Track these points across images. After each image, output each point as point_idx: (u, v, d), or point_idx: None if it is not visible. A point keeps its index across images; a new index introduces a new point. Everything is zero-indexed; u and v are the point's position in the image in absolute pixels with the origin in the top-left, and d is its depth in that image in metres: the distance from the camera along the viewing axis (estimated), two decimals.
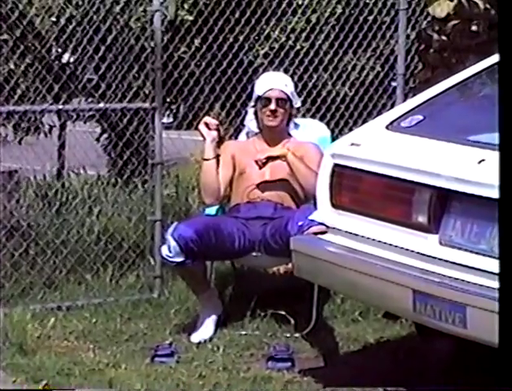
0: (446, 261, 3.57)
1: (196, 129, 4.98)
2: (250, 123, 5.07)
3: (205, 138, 4.88)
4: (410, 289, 3.59)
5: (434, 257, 3.61)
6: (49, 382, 4.16)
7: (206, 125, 4.88)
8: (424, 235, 3.68)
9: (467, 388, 3.86)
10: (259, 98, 4.92)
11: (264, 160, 4.87)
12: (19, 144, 6.26)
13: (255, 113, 4.98)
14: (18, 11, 5.52)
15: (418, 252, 3.67)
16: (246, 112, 5.29)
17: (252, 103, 5.02)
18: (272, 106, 4.88)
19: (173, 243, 4.62)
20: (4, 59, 5.55)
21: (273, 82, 4.94)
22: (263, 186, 4.88)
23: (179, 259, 4.64)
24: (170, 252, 4.64)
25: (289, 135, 5.04)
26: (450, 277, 3.52)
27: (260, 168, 4.88)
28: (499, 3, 3.41)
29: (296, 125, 5.13)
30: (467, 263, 3.49)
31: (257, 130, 5.03)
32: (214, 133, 4.86)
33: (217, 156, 4.86)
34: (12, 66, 5.62)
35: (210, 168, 4.84)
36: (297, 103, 5.06)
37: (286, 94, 4.91)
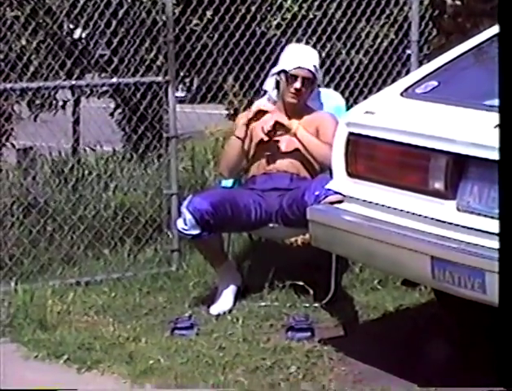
0: (464, 226, 3.55)
1: (210, 102, 4.93)
2: (272, 91, 4.99)
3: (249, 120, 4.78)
4: (428, 256, 3.58)
5: (452, 223, 3.60)
6: (70, 357, 4.19)
7: (259, 111, 4.78)
8: (441, 201, 3.66)
9: (467, 388, 3.85)
10: (285, 72, 4.86)
11: (271, 128, 4.78)
12: (34, 121, 6.26)
13: (277, 83, 4.91)
14: None
15: (436, 219, 3.65)
16: (262, 83, 5.24)
17: (275, 71, 4.94)
18: (298, 85, 4.82)
19: (188, 216, 4.62)
20: (16, 35, 5.54)
21: (302, 60, 4.84)
22: (279, 156, 4.86)
23: (195, 232, 4.64)
24: (186, 224, 4.64)
25: (308, 107, 4.98)
26: (468, 243, 3.50)
27: (270, 138, 4.83)
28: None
29: (318, 94, 5.06)
30: (485, 228, 3.47)
31: (276, 99, 4.97)
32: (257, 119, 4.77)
33: (245, 137, 4.81)
34: (24, 42, 5.61)
35: (238, 146, 4.81)
36: (320, 77, 4.99)
37: (313, 73, 4.85)
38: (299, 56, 4.89)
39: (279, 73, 4.88)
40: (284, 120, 4.84)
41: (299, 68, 4.81)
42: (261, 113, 4.80)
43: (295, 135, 4.79)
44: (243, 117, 4.99)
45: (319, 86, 5.04)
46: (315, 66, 4.87)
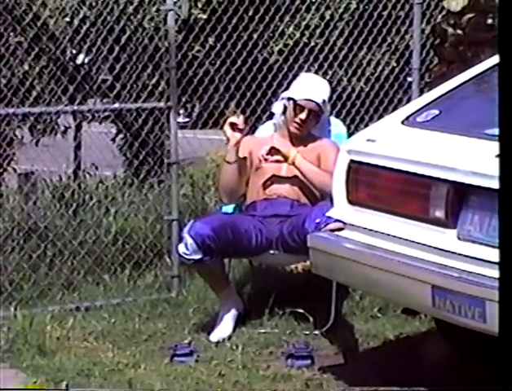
0: (464, 255, 3.55)
1: (221, 128, 4.91)
2: (279, 114, 4.97)
3: (228, 140, 4.81)
4: (429, 284, 3.58)
5: (453, 252, 3.59)
6: (69, 383, 4.17)
7: (231, 125, 4.80)
8: (442, 230, 3.66)
9: (467, 388, 3.83)
10: (293, 100, 4.85)
11: (267, 153, 4.75)
12: (36, 146, 6.27)
13: (284, 108, 4.90)
14: (32, 13, 5.53)
15: (436, 248, 3.65)
16: (263, 110, 5.25)
17: (284, 96, 4.93)
18: (303, 116, 4.82)
19: (190, 241, 4.61)
20: (19, 60, 5.57)
21: (313, 92, 4.84)
22: (279, 181, 4.86)
23: (197, 256, 4.64)
24: (188, 249, 4.63)
25: (313, 137, 4.97)
26: (469, 271, 3.49)
27: (266, 161, 4.76)
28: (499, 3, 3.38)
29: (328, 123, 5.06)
30: (486, 257, 3.46)
31: (282, 124, 4.96)
32: (238, 136, 4.76)
33: (238, 159, 4.80)
34: (27, 67, 5.64)
35: (231, 170, 4.80)
36: (327, 111, 4.99)
37: (321, 107, 4.86)
38: (310, 88, 4.89)
39: (288, 99, 4.89)
40: (281, 146, 4.84)
41: (308, 100, 4.82)
42: (236, 128, 4.74)
43: (293, 164, 4.79)
44: (245, 142, 4.99)
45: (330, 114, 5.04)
46: (324, 100, 4.87)
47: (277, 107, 4.99)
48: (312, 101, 4.82)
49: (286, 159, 4.80)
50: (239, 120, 4.78)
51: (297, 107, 4.83)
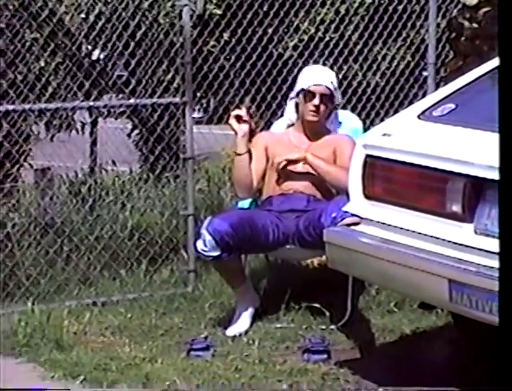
0: (481, 249, 3.54)
1: (227, 123, 4.93)
2: (291, 115, 5.01)
3: (236, 133, 4.83)
4: (446, 279, 3.57)
5: (470, 246, 3.58)
6: (86, 377, 4.19)
7: (237, 118, 4.82)
8: (459, 224, 3.65)
9: (467, 388, 3.82)
10: (303, 90, 4.88)
11: (284, 164, 4.82)
12: (52, 141, 6.30)
13: (296, 105, 4.94)
14: (48, 9, 5.54)
15: (453, 242, 3.64)
16: (279, 105, 5.27)
17: (293, 95, 4.97)
18: (316, 101, 4.84)
19: (208, 238, 4.61)
20: (35, 57, 5.59)
21: (319, 77, 4.88)
22: (296, 177, 4.86)
23: (215, 253, 4.64)
24: (206, 246, 4.63)
25: (328, 130, 5.00)
26: (486, 266, 3.49)
27: (279, 173, 4.84)
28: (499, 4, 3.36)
29: (336, 118, 5.08)
30: None
31: (295, 121, 4.99)
32: (245, 127, 4.80)
33: (249, 151, 4.83)
34: (43, 64, 5.66)
35: (243, 162, 4.82)
36: (339, 99, 5.02)
37: (331, 90, 4.87)
38: (316, 74, 4.92)
39: (297, 95, 4.90)
40: (297, 141, 4.86)
41: (316, 84, 4.83)
42: (241, 120, 4.76)
43: (306, 162, 4.80)
44: (261, 137, 5.01)
45: (337, 108, 5.05)
46: (332, 83, 4.88)
47: (289, 109, 5.02)
48: (321, 85, 4.83)
49: (301, 160, 4.81)
50: (242, 111, 4.80)
51: (308, 95, 4.84)
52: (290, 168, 4.86)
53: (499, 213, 3.13)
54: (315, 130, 4.93)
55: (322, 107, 4.85)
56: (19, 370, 4.30)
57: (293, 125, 5.01)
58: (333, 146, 4.89)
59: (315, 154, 4.83)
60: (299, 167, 4.88)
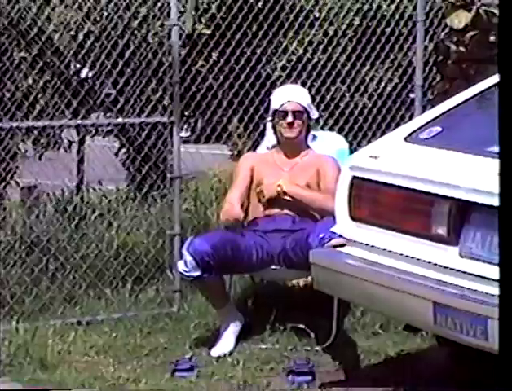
0: (466, 272, 3.55)
1: (214, 142, 4.96)
2: (271, 137, 5.06)
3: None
4: (430, 301, 3.58)
5: (455, 269, 3.59)
6: None
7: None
8: (444, 247, 3.66)
9: (467, 388, 3.82)
10: (276, 111, 4.93)
11: (265, 200, 4.82)
12: (39, 160, 6.28)
13: (273, 126, 4.99)
14: (37, 27, 5.55)
15: (438, 264, 3.65)
16: (265, 126, 5.30)
17: (270, 117, 5.03)
18: (289, 119, 4.89)
19: (189, 258, 4.62)
20: (23, 74, 5.58)
21: (289, 95, 4.94)
22: (280, 199, 4.87)
23: (196, 273, 4.64)
24: (187, 266, 4.64)
25: (308, 147, 5.04)
26: (471, 289, 3.49)
27: (264, 205, 4.84)
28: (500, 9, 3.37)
29: (314, 137, 5.14)
30: (488, 275, 3.46)
31: (275, 144, 5.03)
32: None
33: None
34: (31, 81, 5.65)
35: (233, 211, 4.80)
36: (315, 114, 5.07)
37: (303, 106, 4.92)
38: (286, 93, 4.99)
39: (273, 117, 4.94)
40: (279, 162, 4.90)
41: (287, 102, 4.88)
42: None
43: (285, 195, 4.81)
44: (247, 158, 5.02)
45: (322, 128, 5.08)
46: (303, 98, 4.92)
47: (269, 131, 5.06)
48: (292, 101, 4.88)
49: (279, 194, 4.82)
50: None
51: (281, 114, 4.88)
52: (275, 189, 4.87)
53: (499, 237, 3.13)
54: (295, 148, 4.96)
55: (296, 123, 4.89)
56: (1, 389, 4.27)
57: (272, 146, 5.05)
58: (316, 166, 4.91)
59: (293, 182, 4.83)
60: (284, 188, 4.87)
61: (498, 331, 2.99)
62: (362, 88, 6.21)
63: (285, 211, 4.86)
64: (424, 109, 5.70)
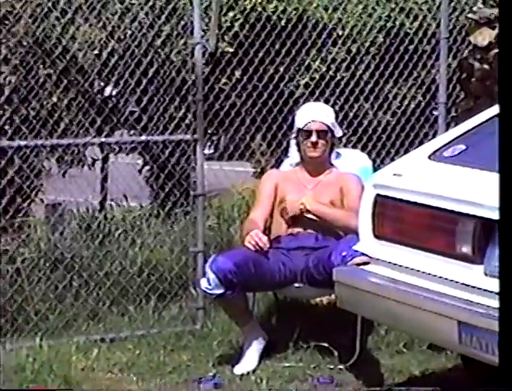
0: (491, 291, 3.53)
1: (238, 159, 4.98)
2: (295, 154, 5.07)
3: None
4: (455, 321, 3.56)
5: (480, 288, 3.58)
6: None
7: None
8: (469, 266, 3.65)
9: (468, 388, 3.80)
10: (300, 130, 4.93)
11: (289, 218, 4.83)
12: (63, 177, 6.32)
13: (297, 144, 5.00)
14: (61, 46, 5.58)
15: (463, 283, 3.64)
16: (289, 143, 5.31)
17: (293, 135, 5.04)
18: (313, 138, 4.89)
19: (212, 276, 4.62)
20: (48, 93, 5.62)
21: (313, 114, 4.95)
22: (303, 217, 4.87)
23: (219, 291, 4.64)
24: (210, 284, 4.64)
25: (332, 165, 5.04)
26: (496, 308, 3.47)
27: (287, 222, 4.84)
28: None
29: (338, 155, 5.14)
30: None
31: (299, 161, 5.04)
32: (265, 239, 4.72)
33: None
34: (55, 100, 5.69)
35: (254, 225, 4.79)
36: (339, 132, 5.07)
37: (327, 125, 4.92)
38: (310, 112, 5.00)
39: (297, 135, 4.95)
40: (304, 180, 4.90)
41: (312, 122, 4.89)
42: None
43: (308, 211, 4.81)
44: (271, 174, 5.03)
45: (345, 146, 5.08)
46: (328, 117, 4.94)
47: (292, 149, 5.07)
48: (316, 121, 4.89)
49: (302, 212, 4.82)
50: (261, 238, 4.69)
51: (306, 133, 4.89)
52: (299, 207, 4.87)
53: (499, 253, 3.13)
54: (318, 167, 4.97)
55: (321, 143, 4.89)
56: None
57: (296, 164, 5.06)
58: (339, 184, 4.91)
59: (317, 200, 4.83)
60: (307, 205, 4.87)
61: (498, 331, 2.95)
62: (385, 105, 6.22)
63: (308, 229, 4.86)
64: (448, 127, 5.69)
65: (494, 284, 3.55)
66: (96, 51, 5.86)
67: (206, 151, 6.24)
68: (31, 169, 5.48)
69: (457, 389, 4.39)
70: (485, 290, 3.56)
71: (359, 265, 4.09)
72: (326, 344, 4.79)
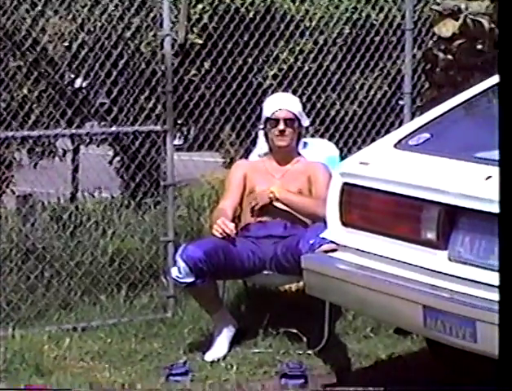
0: (455, 276, 3.61)
1: (207, 150, 5.02)
2: (263, 145, 5.14)
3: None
4: (420, 305, 3.64)
5: (444, 273, 3.66)
6: None
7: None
8: (433, 252, 3.73)
9: (467, 388, 3.89)
10: (268, 119, 5.00)
11: (258, 207, 4.89)
12: (34, 168, 6.33)
13: (265, 134, 5.06)
14: (31, 38, 5.60)
15: (428, 268, 3.71)
16: (257, 134, 5.38)
17: (261, 125, 5.10)
18: (281, 126, 4.96)
19: (182, 264, 4.68)
20: (18, 85, 5.63)
21: (280, 103, 5.02)
22: (272, 206, 4.93)
23: (189, 279, 4.69)
24: (180, 273, 4.69)
25: (299, 154, 5.12)
26: (460, 292, 3.56)
27: (256, 211, 4.90)
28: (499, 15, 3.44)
29: (305, 145, 5.21)
30: (476, 278, 3.53)
31: (267, 151, 5.10)
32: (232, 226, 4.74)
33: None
34: (26, 91, 5.70)
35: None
36: (306, 122, 5.14)
37: (294, 113, 4.99)
38: (277, 101, 5.06)
39: (265, 125, 5.02)
40: (272, 169, 4.96)
41: (278, 110, 4.96)
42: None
43: (277, 200, 4.87)
44: (239, 165, 5.09)
45: (313, 136, 5.15)
46: (294, 106, 4.99)
47: (260, 139, 5.14)
48: (282, 109, 4.96)
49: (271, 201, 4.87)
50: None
51: (273, 122, 4.96)
52: (267, 196, 4.94)
53: (499, 246, 3.18)
54: (286, 155, 5.03)
55: (288, 131, 4.96)
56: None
57: (264, 154, 5.12)
58: (307, 173, 4.98)
59: (285, 189, 4.90)
60: (276, 194, 4.94)
61: (498, 332, 3.03)
62: (352, 96, 6.28)
63: (277, 217, 4.92)
64: (413, 116, 5.77)
65: (458, 269, 3.64)
66: (66, 43, 5.88)
67: (176, 142, 6.29)
68: (2, 160, 5.50)
69: (423, 372, 4.48)
70: (449, 275, 3.64)
71: (326, 252, 4.16)
72: (295, 330, 4.85)
